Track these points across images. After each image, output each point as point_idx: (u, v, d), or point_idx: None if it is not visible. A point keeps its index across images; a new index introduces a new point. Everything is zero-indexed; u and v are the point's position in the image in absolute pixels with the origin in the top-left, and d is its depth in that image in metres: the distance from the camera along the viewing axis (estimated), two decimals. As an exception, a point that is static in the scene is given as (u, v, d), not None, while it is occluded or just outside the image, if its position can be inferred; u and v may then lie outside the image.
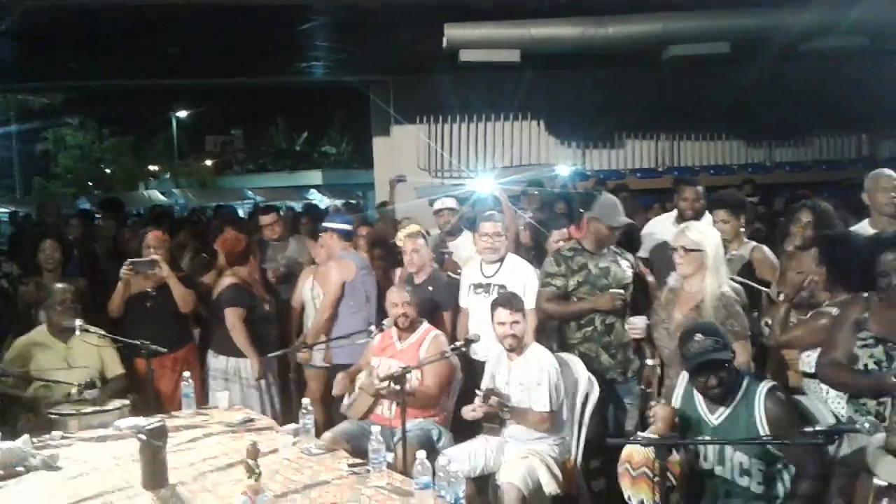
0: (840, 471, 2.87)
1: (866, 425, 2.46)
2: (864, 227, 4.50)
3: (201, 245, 6.79)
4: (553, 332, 4.85)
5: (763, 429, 3.19)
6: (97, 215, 9.52)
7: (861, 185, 4.76)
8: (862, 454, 2.73)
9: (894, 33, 8.66)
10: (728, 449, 3.24)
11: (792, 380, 4.18)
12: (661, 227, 5.35)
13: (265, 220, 6.66)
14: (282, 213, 8.62)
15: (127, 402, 4.66)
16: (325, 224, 5.66)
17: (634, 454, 3.12)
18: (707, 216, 5.01)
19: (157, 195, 28.41)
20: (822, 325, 3.67)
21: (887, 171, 4.61)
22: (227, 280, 5.33)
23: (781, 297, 3.91)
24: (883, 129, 12.48)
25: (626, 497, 3.15)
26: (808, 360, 3.79)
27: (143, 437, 3.33)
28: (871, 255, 3.40)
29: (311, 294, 5.69)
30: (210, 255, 6.24)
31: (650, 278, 4.87)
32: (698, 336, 3.25)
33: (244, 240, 5.58)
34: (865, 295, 3.33)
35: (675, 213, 5.36)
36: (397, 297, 4.62)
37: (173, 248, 5.93)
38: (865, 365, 3.20)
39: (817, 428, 2.66)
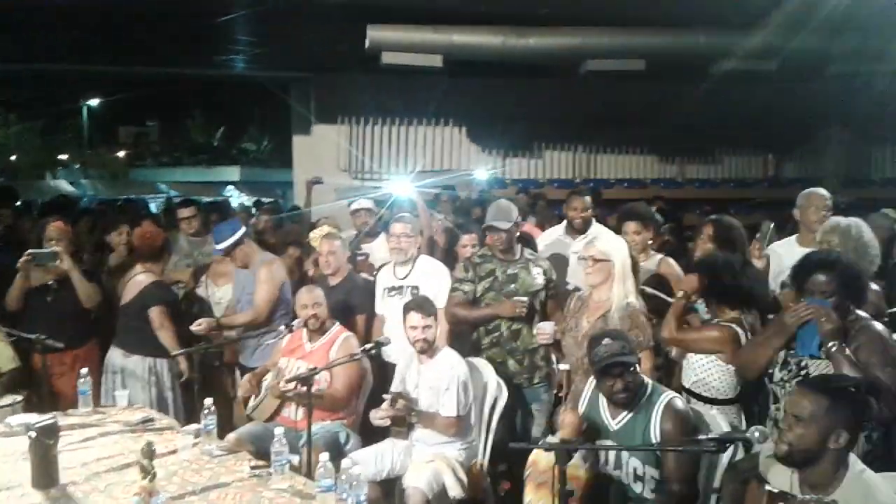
0: (730, 476, 2.97)
1: (755, 434, 2.54)
2: (791, 244, 4.68)
3: (100, 239, 6.56)
4: (465, 336, 4.87)
5: (655, 438, 3.28)
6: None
7: (766, 204, 4.95)
8: (752, 461, 2.84)
9: (800, 60, 9.06)
10: (625, 454, 3.32)
11: None
12: (551, 238, 5.52)
13: (184, 213, 6.44)
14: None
15: (19, 398, 4.48)
16: (232, 241, 5.11)
17: (540, 460, 3.16)
18: (595, 226, 5.22)
19: (65, 185, 27.33)
20: (712, 336, 3.83)
21: (820, 189, 4.76)
22: (144, 277, 5.14)
23: (680, 294, 4.03)
24: (788, 152, 13.04)
25: (526, 502, 3.18)
26: (693, 377, 3.91)
27: (33, 434, 3.20)
28: (742, 279, 3.78)
29: (207, 292, 5.57)
30: (104, 251, 6.05)
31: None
32: (606, 340, 3.35)
33: (162, 235, 5.44)
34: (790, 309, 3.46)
35: (564, 223, 5.50)
36: (307, 298, 4.55)
37: (76, 239, 5.71)
38: (771, 373, 3.37)
39: (710, 435, 2.74)
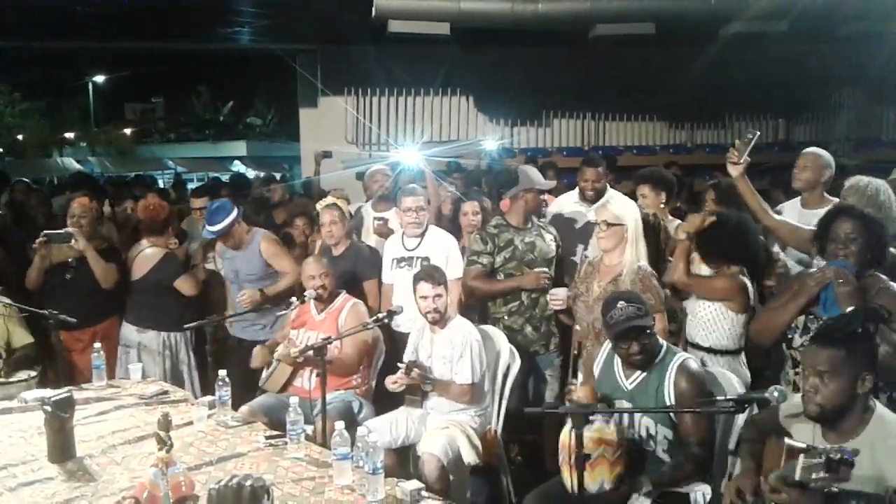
0: (748, 433, 2.94)
1: (775, 394, 2.52)
2: (795, 205, 4.61)
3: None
4: (476, 305, 4.85)
5: (669, 398, 3.26)
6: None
7: (777, 168, 4.86)
8: (771, 416, 2.82)
9: (811, 21, 8.92)
10: (637, 413, 3.31)
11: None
12: (563, 205, 5.45)
13: (197, 203, 6.25)
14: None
15: (34, 373, 4.50)
16: (225, 224, 5.01)
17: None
18: (608, 191, 5.15)
19: (72, 163, 27.40)
20: (721, 283, 3.89)
21: (816, 149, 4.63)
22: (153, 251, 5.17)
23: (683, 236, 4.02)
24: (798, 115, 12.88)
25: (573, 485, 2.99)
26: (702, 329, 3.96)
27: (49, 408, 3.20)
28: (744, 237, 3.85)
29: (218, 266, 5.56)
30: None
31: None
32: (621, 303, 3.31)
33: (166, 208, 5.43)
34: (807, 272, 3.44)
35: (577, 189, 5.44)
36: (315, 269, 4.54)
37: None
38: (790, 338, 3.36)
39: (728, 396, 2.72)
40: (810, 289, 3.25)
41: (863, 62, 10.07)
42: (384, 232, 5.57)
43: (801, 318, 3.31)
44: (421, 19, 8.45)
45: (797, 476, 2.25)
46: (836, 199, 4.47)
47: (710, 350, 3.91)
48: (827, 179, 4.49)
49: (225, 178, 17.35)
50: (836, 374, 2.50)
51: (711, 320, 3.90)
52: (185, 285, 5.17)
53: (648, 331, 3.31)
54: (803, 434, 2.60)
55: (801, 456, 2.25)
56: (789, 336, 3.35)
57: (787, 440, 2.41)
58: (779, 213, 4.49)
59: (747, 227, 4.02)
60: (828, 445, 2.38)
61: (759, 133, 4.42)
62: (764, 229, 4.24)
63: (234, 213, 5.05)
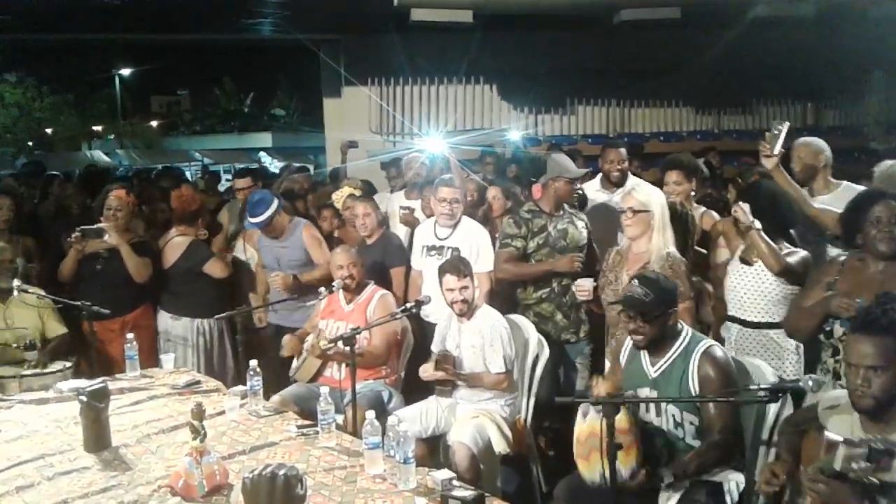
0: (787, 428, 2.91)
1: (809, 383, 2.48)
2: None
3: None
4: (506, 290, 4.84)
5: (693, 385, 3.22)
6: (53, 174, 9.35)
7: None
8: (810, 412, 2.78)
9: (839, 3, 8.80)
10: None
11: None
12: (590, 193, 5.41)
13: (240, 183, 6.34)
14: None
15: (69, 363, 4.57)
16: (268, 215, 5.07)
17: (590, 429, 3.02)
18: (631, 178, 5.13)
19: (100, 155, 27.70)
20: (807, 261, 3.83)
21: (800, 139, 4.61)
22: (182, 239, 5.27)
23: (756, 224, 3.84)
24: (827, 99, 12.67)
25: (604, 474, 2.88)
26: (773, 310, 3.89)
27: (84, 398, 3.25)
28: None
29: (246, 255, 5.61)
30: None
31: None
32: (636, 282, 3.32)
33: (199, 199, 5.55)
34: (842, 258, 3.40)
35: (599, 176, 5.42)
36: (343, 259, 4.55)
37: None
38: (829, 330, 3.31)
39: (761, 385, 2.69)
40: (832, 310, 3.22)
41: (892, 45, 9.90)
42: (410, 221, 5.59)
43: None
44: (443, 7, 8.44)
45: (837, 466, 2.20)
46: (845, 182, 4.46)
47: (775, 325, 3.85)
48: (825, 164, 4.46)
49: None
50: (888, 365, 2.45)
51: (784, 297, 3.83)
52: (215, 268, 5.24)
53: (651, 313, 3.26)
54: (842, 427, 2.56)
55: (842, 446, 2.21)
56: (827, 328, 3.30)
57: (826, 434, 2.36)
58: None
59: (782, 191, 4.05)
60: (868, 436, 2.34)
61: (788, 124, 4.36)
62: (805, 218, 4.19)
63: (275, 204, 5.13)
